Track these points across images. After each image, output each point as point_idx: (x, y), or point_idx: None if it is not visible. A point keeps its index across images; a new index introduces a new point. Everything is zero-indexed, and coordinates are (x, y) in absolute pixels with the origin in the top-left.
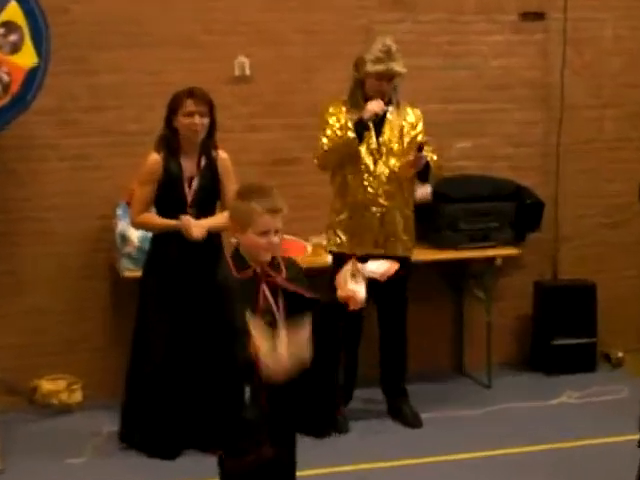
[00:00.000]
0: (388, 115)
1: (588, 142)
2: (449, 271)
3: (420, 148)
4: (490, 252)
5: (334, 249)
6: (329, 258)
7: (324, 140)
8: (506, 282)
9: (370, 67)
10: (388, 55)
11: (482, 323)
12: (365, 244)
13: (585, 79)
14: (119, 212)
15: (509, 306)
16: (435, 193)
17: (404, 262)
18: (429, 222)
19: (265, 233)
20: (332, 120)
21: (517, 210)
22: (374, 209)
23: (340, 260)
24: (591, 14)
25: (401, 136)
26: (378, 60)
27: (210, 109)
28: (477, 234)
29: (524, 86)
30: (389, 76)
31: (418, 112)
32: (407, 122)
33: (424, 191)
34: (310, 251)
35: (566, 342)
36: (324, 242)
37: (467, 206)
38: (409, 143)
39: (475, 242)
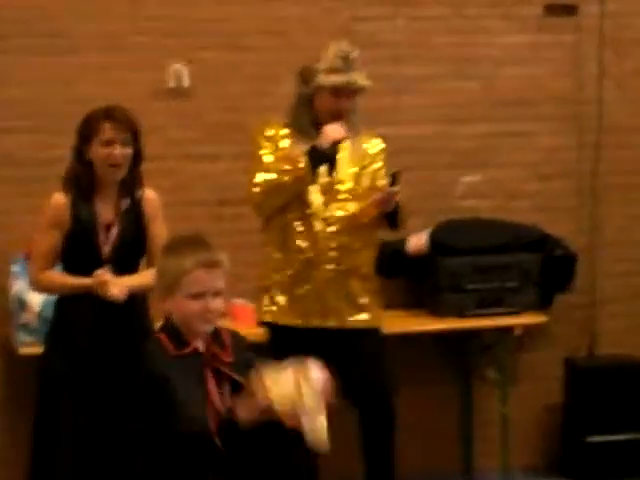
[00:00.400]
0: (345, 144)
1: (634, 174)
2: (453, 346)
3: (394, 179)
4: (506, 320)
5: (268, 318)
6: (260, 330)
7: (261, 176)
8: (528, 360)
9: (324, 79)
10: (347, 63)
11: (496, 414)
12: (311, 313)
13: (628, 92)
14: (15, 269)
15: (531, 392)
16: (433, 242)
17: (372, 336)
18: (425, 281)
19: (199, 296)
20: (270, 147)
21: (542, 265)
22: (326, 267)
23: (277, 334)
24: (636, 7)
25: (360, 171)
26: (334, 70)
27: (135, 135)
28: (489, 296)
29: (551, 101)
30: (349, 91)
31: (379, 141)
32: (367, 153)
33: (418, 240)
34: None
35: (606, 439)
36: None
37: (476, 259)
38: (370, 181)
39: (486, 307)
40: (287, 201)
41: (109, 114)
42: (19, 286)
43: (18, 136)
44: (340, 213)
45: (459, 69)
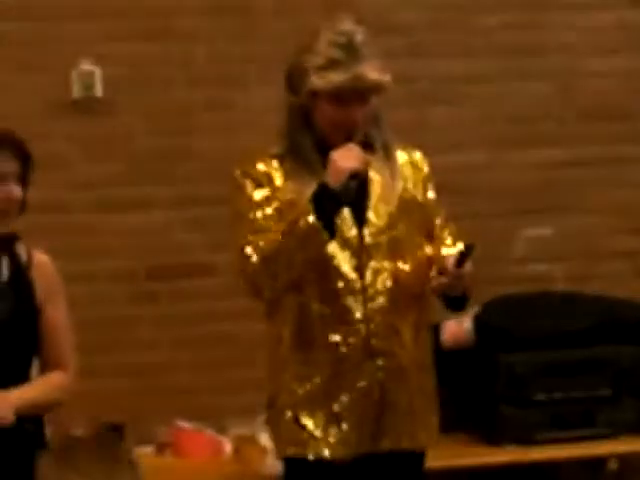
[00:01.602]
0: (371, 173)
1: None
2: None
3: (464, 255)
4: (597, 448)
5: (294, 451)
6: (278, 467)
7: (254, 240)
8: None
9: (318, 80)
10: (350, 52)
11: None
12: (360, 436)
13: None
14: None
15: None
16: (482, 330)
17: (420, 459)
18: (471, 390)
19: None
20: (260, 195)
21: None
22: (370, 365)
23: (305, 473)
24: None
25: (400, 208)
26: (332, 63)
27: (24, 168)
28: (569, 412)
29: None
30: (359, 93)
31: (418, 156)
32: (407, 179)
33: (458, 327)
34: (229, 452)
35: None
36: (263, 439)
37: (548, 356)
38: (416, 220)
39: (565, 428)
40: (299, 273)
41: None
42: None
43: None
44: (382, 279)
45: (518, 64)
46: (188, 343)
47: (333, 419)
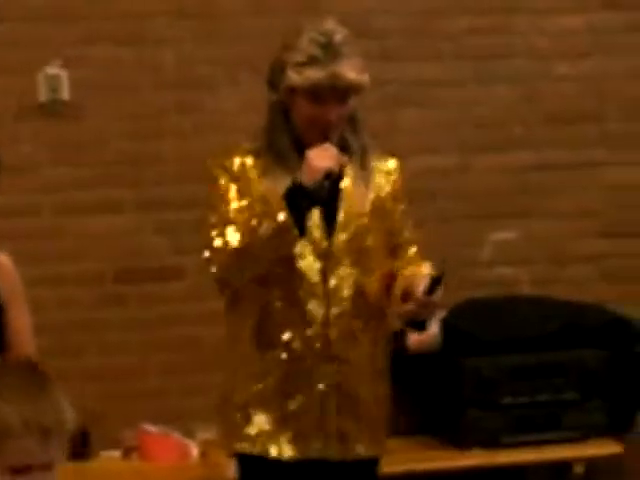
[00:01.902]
0: (345, 179)
1: None
2: None
3: (436, 280)
4: (563, 451)
5: (244, 448)
6: (231, 467)
7: (229, 233)
8: None
9: (295, 76)
10: (329, 50)
11: None
12: (309, 439)
13: None
14: None
15: None
16: (449, 333)
17: (367, 470)
18: (438, 393)
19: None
20: (234, 188)
21: (615, 365)
22: (326, 368)
23: (256, 471)
24: None
25: (372, 215)
26: (311, 60)
27: None
28: (535, 415)
29: (622, 115)
30: (338, 91)
31: (393, 164)
32: (380, 188)
33: (427, 331)
34: (196, 456)
35: None
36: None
37: (514, 359)
38: (385, 230)
39: (531, 431)
40: (266, 269)
41: None
42: None
43: None
44: (345, 287)
45: (485, 68)
46: (156, 347)
47: (285, 419)
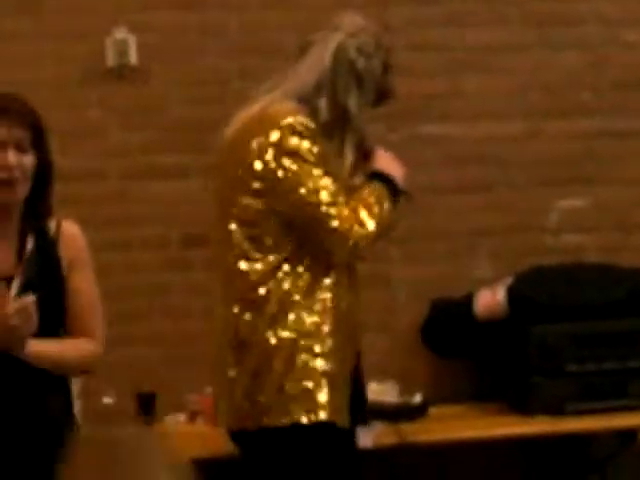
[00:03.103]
0: None
1: None
2: (545, 460)
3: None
4: (629, 419)
5: (318, 417)
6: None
7: (363, 216)
8: None
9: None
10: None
11: None
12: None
13: None
14: None
15: None
16: (515, 300)
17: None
18: (503, 360)
19: None
20: (320, 171)
21: None
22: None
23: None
24: None
25: None
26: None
27: (38, 137)
28: (601, 383)
29: None
30: None
31: None
32: None
33: (492, 297)
34: None
35: None
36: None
37: (580, 327)
38: None
39: (597, 399)
40: None
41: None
42: None
43: None
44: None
45: (551, 35)
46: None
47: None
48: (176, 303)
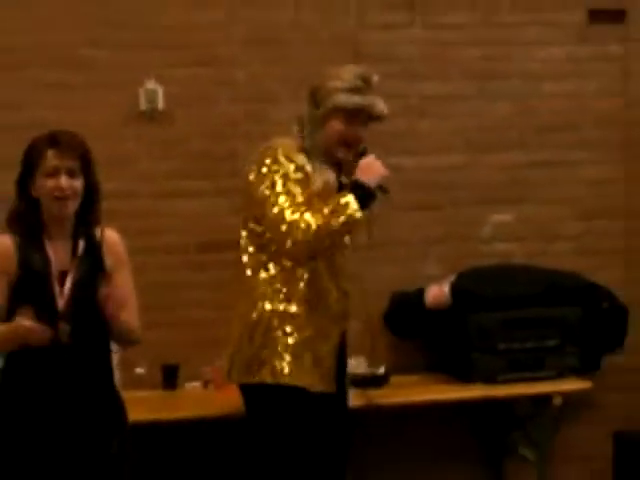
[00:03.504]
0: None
1: None
2: (481, 418)
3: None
4: (545, 387)
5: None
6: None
7: (307, 216)
8: (570, 434)
9: (343, 99)
10: (368, 86)
11: None
12: (324, 379)
13: None
14: None
15: (575, 473)
16: (457, 294)
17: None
18: (448, 340)
19: None
20: (300, 176)
21: (586, 319)
22: (338, 327)
23: (293, 401)
24: None
25: None
26: (355, 90)
27: (85, 164)
28: (524, 358)
29: (596, 125)
30: (367, 116)
31: None
32: None
33: (439, 291)
34: None
35: None
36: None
37: (508, 314)
38: None
39: (521, 371)
40: (331, 253)
41: (54, 139)
42: None
43: None
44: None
45: (488, 87)
46: (227, 303)
47: (314, 365)
48: (194, 296)
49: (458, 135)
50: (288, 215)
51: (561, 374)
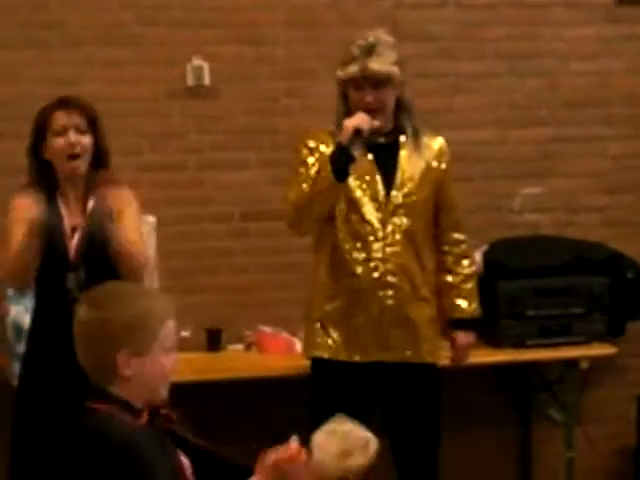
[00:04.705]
0: (402, 151)
1: None
2: (510, 380)
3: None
4: (572, 351)
5: (320, 354)
6: (308, 366)
7: (295, 190)
8: (596, 397)
9: (340, 73)
10: (367, 51)
11: (561, 459)
12: (368, 347)
13: None
14: (10, 293)
15: (601, 434)
16: (488, 263)
17: (428, 371)
18: (481, 307)
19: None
20: (309, 160)
21: (612, 288)
22: (381, 293)
23: (328, 372)
24: None
25: (421, 183)
26: (351, 60)
27: (92, 122)
28: (552, 324)
29: (623, 102)
30: (371, 81)
31: (442, 142)
32: (428, 160)
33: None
34: (299, 350)
35: None
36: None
37: (537, 282)
38: (433, 190)
39: (549, 336)
40: (323, 215)
41: (61, 102)
42: (15, 312)
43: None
44: (398, 233)
45: (518, 65)
46: (271, 269)
47: (351, 332)
48: (237, 262)
49: (490, 111)
50: (288, 192)
51: (588, 340)
